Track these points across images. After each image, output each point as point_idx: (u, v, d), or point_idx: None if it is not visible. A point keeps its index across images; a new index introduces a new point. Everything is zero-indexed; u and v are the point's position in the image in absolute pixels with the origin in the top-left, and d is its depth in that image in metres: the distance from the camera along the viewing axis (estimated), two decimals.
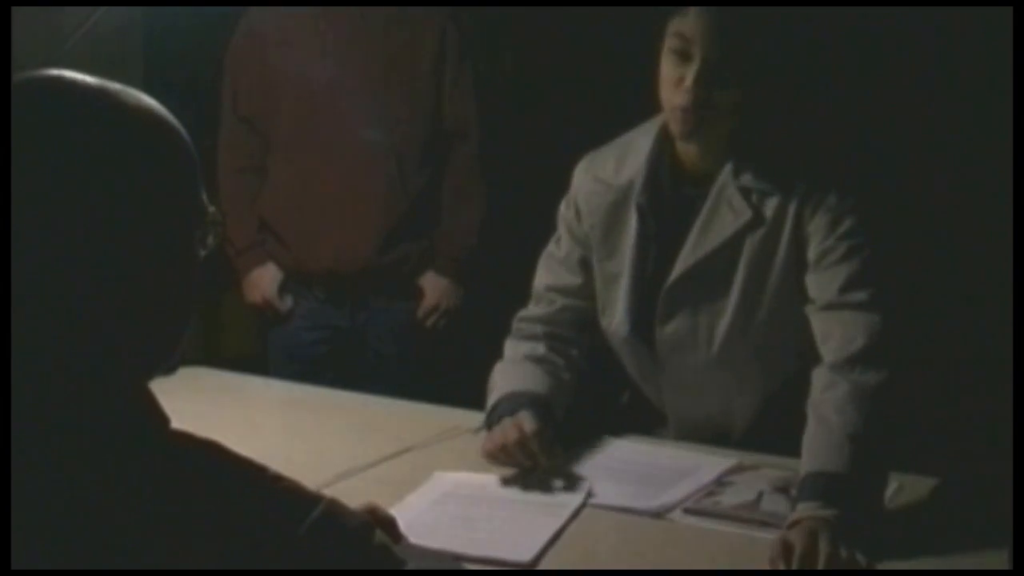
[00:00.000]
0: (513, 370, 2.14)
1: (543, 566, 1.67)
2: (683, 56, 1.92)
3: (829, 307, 1.91)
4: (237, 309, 3.39)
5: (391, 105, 3.03)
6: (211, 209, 1.14)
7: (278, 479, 1.08)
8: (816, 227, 1.94)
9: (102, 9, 2.55)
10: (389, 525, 1.36)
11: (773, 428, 1.99)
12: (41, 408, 1.02)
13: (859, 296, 1.89)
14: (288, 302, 3.18)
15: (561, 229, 2.19)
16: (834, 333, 1.89)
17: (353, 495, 1.20)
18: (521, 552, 1.69)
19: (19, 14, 2.10)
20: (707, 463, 2.01)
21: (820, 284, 1.93)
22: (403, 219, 3.09)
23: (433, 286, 3.15)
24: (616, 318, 2.11)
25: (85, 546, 0.98)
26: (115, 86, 1.09)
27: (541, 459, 1.94)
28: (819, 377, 1.86)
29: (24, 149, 1.02)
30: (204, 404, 2.14)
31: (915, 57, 3.16)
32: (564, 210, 2.19)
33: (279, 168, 3.11)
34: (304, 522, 1.05)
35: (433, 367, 3.16)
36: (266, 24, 3.06)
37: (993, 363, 2.19)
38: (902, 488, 1.88)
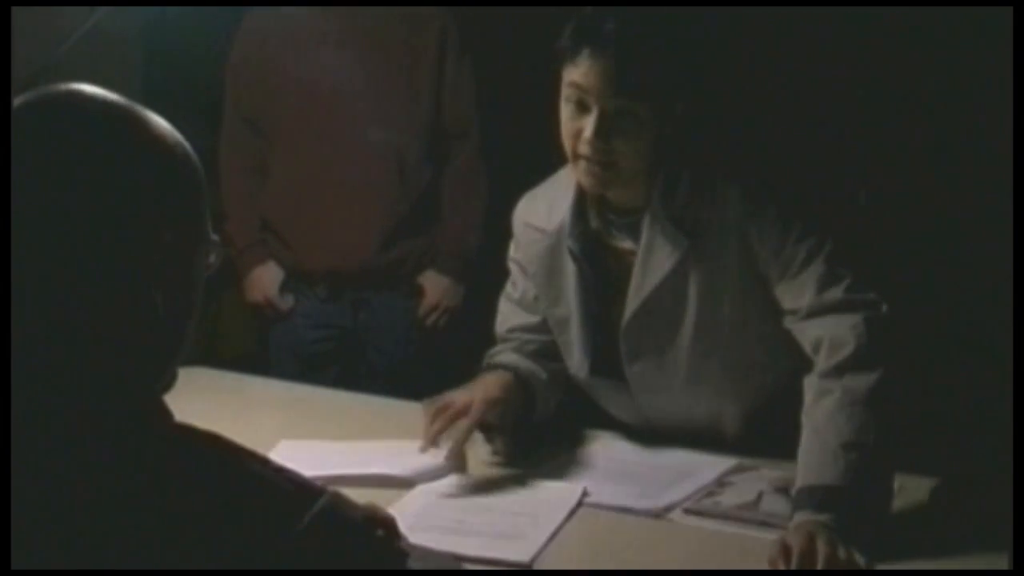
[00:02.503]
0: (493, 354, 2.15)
1: (542, 566, 1.67)
2: (580, 107, 1.87)
3: (810, 314, 1.87)
4: (237, 309, 3.39)
5: (392, 104, 3.03)
6: (214, 237, 1.16)
7: (281, 471, 1.09)
8: (767, 241, 1.90)
9: (102, 9, 2.55)
10: (389, 525, 1.36)
11: (768, 433, 1.98)
12: (44, 407, 1.03)
13: (835, 295, 1.86)
14: (289, 301, 3.18)
15: (513, 270, 2.18)
16: (822, 340, 1.85)
17: (352, 495, 1.20)
18: (520, 552, 1.69)
19: (19, 14, 2.10)
20: (707, 463, 2.01)
21: (794, 293, 1.90)
22: (404, 218, 3.09)
23: (434, 285, 3.16)
24: (574, 361, 2.10)
25: (89, 539, 0.99)
26: (138, 108, 1.12)
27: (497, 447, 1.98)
28: (811, 386, 1.84)
29: (44, 162, 1.04)
30: (204, 404, 2.13)
31: (913, 53, 3.16)
32: (513, 252, 2.18)
33: (280, 167, 3.11)
34: (307, 513, 1.05)
35: (434, 366, 3.16)
36: (268, 24, 3.06)
37: (993, 362, 2.19)
38: (902, 488, 1.88)
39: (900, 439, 1.79)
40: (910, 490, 1.89)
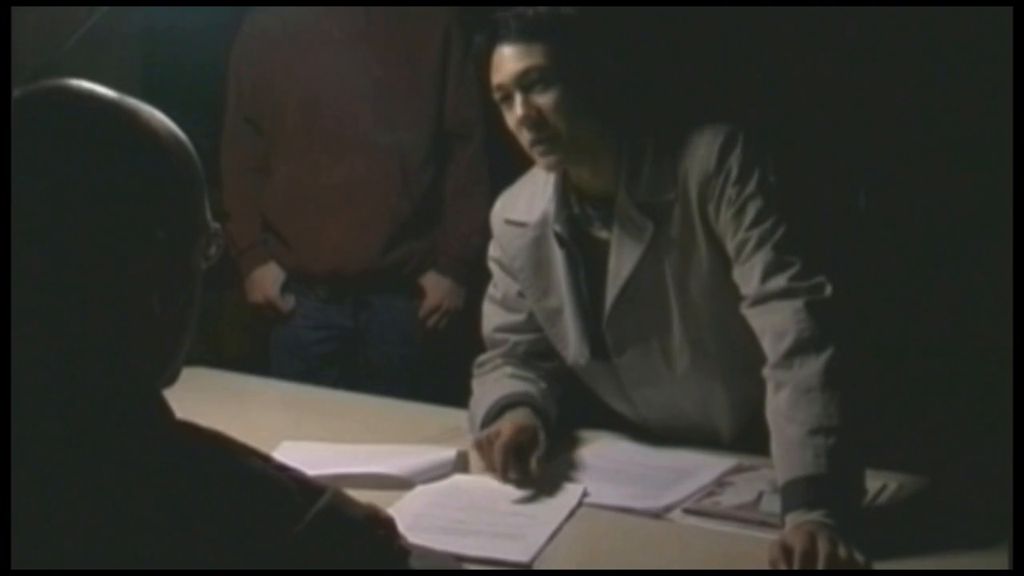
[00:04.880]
0: (491, 388, 2.13)
1: (542, 566, 1.67)
2: (509, 100, 1.93)
3: (756, 302, 1.88)
4: (237, 309, 3.39)
5: (395, 106, 3.04)
6: (214, 226, 1.16)
7: (283, 469, 1.09)
8: (725, 223, 1.92)
9: (102, 9, 2.55)
10: (388, 525, 1.36)
11: (760, 424, 1.98)
12: (46, 404, 1.03)
13: (778, 283, 1.86)
14: (290, 302, 3.18)
15: (494, 271, 2.19)
16: (766, 330, 1.86)
17: (352, 495, 1.20)
18: (520, 552, 1.69)
19: (19, 14, 2.10)
20: (707, 463, 2.01)
21: (743, 279, 1.91)
22: (406, 219, 3.09)
23: (435, 286, 3.15)
24: (572, 350, 2.10)
25: (89, 537, 0.99)
26: (131, 102, 1.11)
27: (531, 464, 1.93)
28: (767, 380, 1.84)
29: (36, 159, 1.04)
30: (204, 404, 2.13)
31: (912, 53, 3.16)
32: (492, 251, 2.18)
33: (282, 168, 3.11)
34: (309, 511, 1.05)
35: (434, 367, 3.16)
36: (269, 24, 3.06)
37: (993, 362, 2.19)
38: (901, 488, 1.88)
39: (865, 409, 1.78)
40: (910, 490, 1.89)
